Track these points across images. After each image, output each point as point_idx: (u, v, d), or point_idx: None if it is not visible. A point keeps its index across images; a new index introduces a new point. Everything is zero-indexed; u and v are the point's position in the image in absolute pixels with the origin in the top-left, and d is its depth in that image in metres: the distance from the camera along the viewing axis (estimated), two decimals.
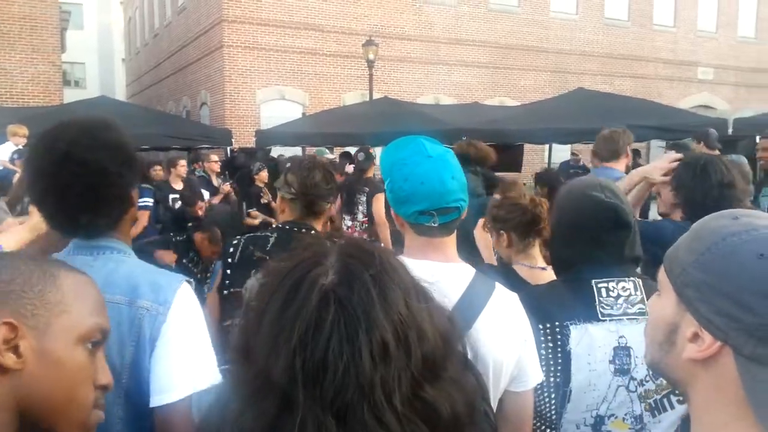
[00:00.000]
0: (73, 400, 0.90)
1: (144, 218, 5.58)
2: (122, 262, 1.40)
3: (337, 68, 17.24)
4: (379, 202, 5.46)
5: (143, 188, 5.47)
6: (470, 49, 19.04)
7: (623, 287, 1.60)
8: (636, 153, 11.15)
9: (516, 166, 11.73)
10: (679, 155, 2.47)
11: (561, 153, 14.04)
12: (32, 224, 2.04)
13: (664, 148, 5.97)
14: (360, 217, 5.72)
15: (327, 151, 9.53)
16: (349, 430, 0.73)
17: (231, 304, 2.19)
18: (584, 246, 1.63)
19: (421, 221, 1.39)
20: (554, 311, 1.59)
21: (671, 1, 22.19)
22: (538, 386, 1.46)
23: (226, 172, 9.39)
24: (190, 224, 5.76)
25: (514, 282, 1.90)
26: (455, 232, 1.46)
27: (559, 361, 1.56)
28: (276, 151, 12.27)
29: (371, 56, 13.49)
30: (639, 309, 1.58)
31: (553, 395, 1.55)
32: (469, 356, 1.24)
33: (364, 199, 5.73)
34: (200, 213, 6.33)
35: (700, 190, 2.25)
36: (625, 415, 1.57)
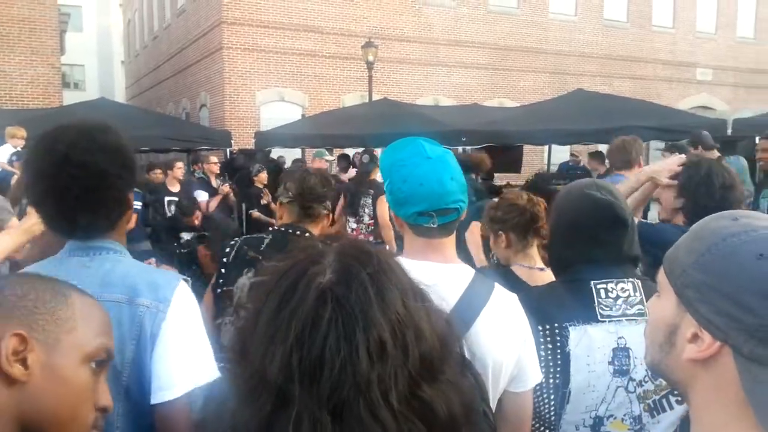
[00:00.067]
0: (74, 417, 0.91)
1: (132, 221, 5.56)
2: (118, 262, 1.41)
3: (336, 70, 17.25)
4: (383, 204, 5.46)
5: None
6: (469, 51, 19.05)
7: (622, 288, 1.60)
8: None
9: (515, 167, 11.76)
10: (684, 157, 2.45)
11: (560, 154, 14.07)
12: (26, 227, 2.05)
13: (662, 151, 5.98)
14: (366, 219, 5.67)
15: (326, 152, 9.52)
16: (345, 426, 0.73)
17: (223, 303, 2.21)
18: (582, 245, 1.63)
19: (421, 222, 1.39)
20: (553, 312, 1.59)
21: (670, 2, 22.21)
22: (537, 387, 1.47)
23: (226, 174, 9.39)
24: (184, 234, 5.69)
25: (513, 283, 1.90)
26: (455, 233, 1.46)
27: (559, 362, 1.56)
28: (276, 153, 12.29)
29: (370, 58, 13.50)
30: (638, 310, 1.58)
31: (552, 396, 1.55)
32: (468, 356, 1.24)
33: (370, 201, 5.72)
34: (196, 223, 6.28)
35: (704, 194, 2.25)
36: (624, 415, 1.57)
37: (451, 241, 1.45)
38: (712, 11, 22.96)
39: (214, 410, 0.85)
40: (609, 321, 1.57)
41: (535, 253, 2.36)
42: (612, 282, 1.60)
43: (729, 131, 9.73)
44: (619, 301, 1.59)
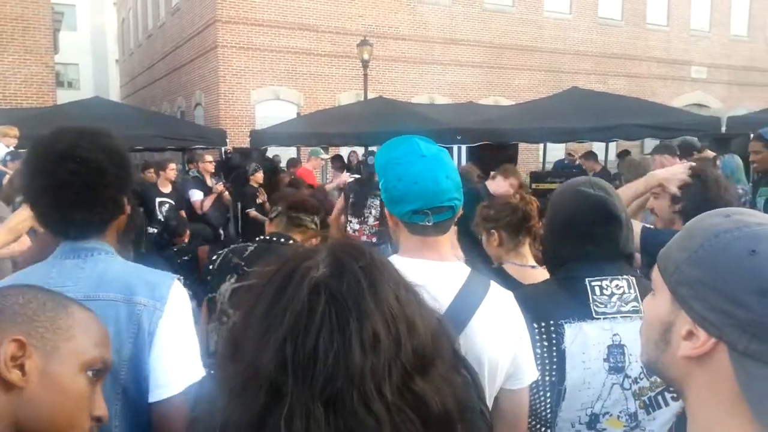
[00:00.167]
0: (71, 424, 0.92)
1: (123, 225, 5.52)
2: (112, 262, 1.42)
3: (331, 68, 17.23)
4: None
5: None
6: (465, 49, 19.06)
7: (617, 285, 1.61)
8: (627, 153, 11.20)
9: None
10: (691, 163, 2.40)
11: (555, 152, 14.09)
12: (11, 226, 2.04)
13: (651, 154, 6.00)
14: (371, 221, 5.54)
15: (322, 151, 9.52)
16: (338, 419, 0.73)
17: (209, 310, 2.22)
18: (577, 242, 1.64)
19: (415, 220, 1.39)
20: (549, 310, 1.60)
21: (664, 1, 22.26)
22: (533, 385, 1.47)
23: (221, 173, 9.37)
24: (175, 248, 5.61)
25: (504, 281, 1.91)
26: (450, 231, 1.46)
27: (554, 359, 1.56)
28: (271, 152, 12.27)
29: (366, 56, 13.48)
30: (633, 307, 1.59)
31: (548, 394, 1.56)
32: (465, 354, 1.24)
33: (377, 202, 5.65)
34: (185, 241, 6.19)
35: (705, 204, 2.23)
36: (620, 412, 1.57)
37: (446, 239, 1.45)
38: (706, 9, 23.03)
39: (205, 408, 0.85)
40: (604, 318, 1.58)
41: (527, 251, 2.38)
42: (606, 279, 1.61)
43: (723, 129, 9.76)
44: (614, 299, 1.59)
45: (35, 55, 13.10)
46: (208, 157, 8.42)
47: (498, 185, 5.36)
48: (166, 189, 7.25)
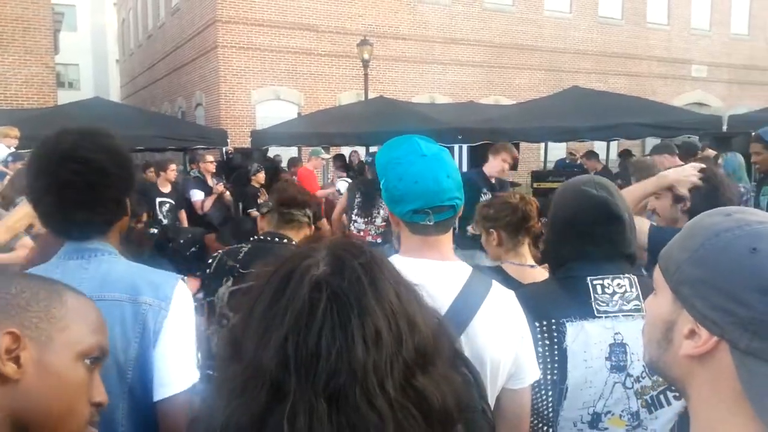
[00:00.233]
0: (69, 414, 0.91)
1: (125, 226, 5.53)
2: (115, 263, 1.43)
3: (332, 68, 17.23)
4: None
5: None
6: (465, 48, 19.06)
7: (618, 284, 1.61)
8: (628, 152, 11.21)
9: (512, 164, 11.74)
10: (701, 165, 2.36)
11: (556, 151, 14.10)
12: (8, 224, 2.04)
13: (650, 154, 6.01)
14: (378, 221, 5.53)
15: (322, 151, 9.52)
16: (341, 415, 0.73)
17: (209, 313, 2.22)
18: (578, 241, 1.63)
19: (416, 220, 1.39)
20: (550, 308, 1.59)
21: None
22: (535, 384, 1.47)
23: (222, 173, 9.37)
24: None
25: (503, 280, 1.92)
26: (451, 230, 1.46)
27: (556, 358, 1.56)
28: (272, 152, 12.28)
29: (366, 56, 13.48)
30: (634, 306, 1.59)
31: (550, 392, 1.56)
32: (466, 354, 1.24)
33: None
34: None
35: (713, 205, 2.22)
36: (622, 411, 1.57)
37: (447, 238, 1.45)
38: (706, 8, 23.03)
39: (205, 408, 0.85)
40: (605, 317, 1.57)
41: (526, 251, 2.39)
42: (608, 278, 1.61)
43: (724, 128, 9.76)
44: (616, 297, 1.59)
45: (36, 55, 13.11)
46: (209, 158, 8.42)
47: (491, 166, 5.38)
48: (166, 189, 7.26)
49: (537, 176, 10.11)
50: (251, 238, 2.42)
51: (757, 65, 23.85)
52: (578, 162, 11.49)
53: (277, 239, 2.28)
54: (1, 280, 0.95)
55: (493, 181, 5.40)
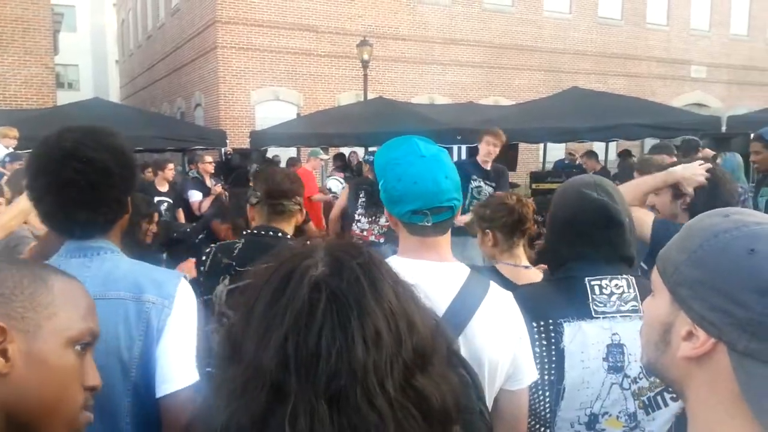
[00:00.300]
0: (61, 402, 0.90)
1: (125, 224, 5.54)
2: (118, 261, 1.43)
3: (331, 69, 17.23)
4: None
5: None
6: (464, 49, 19.06)
7: (616, 285, 1.61)
8: (628, 153, 11.21)
9: (511, 165, 11.76)
10: (708, 165, 2.36)
11: (556, 152, 14.11)
12: (2, 224, 2.03)
13: (648, 154, 6.03)
14: (382, 221, 5.49)
15: (321, 151, 9.52)
16: (341, 416, 0.73)
17: (207, 311, 2.19)
18: (576, 243, 1.64)
19: (415, 221, 1.39)
20: (548, 309, 1.60)
21: (664, 0, 22.27)
22: (532, 384, 1.47)
23: (221, 174, 9.37)
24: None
25: (497, 280, 1.93)
26: (449, 231, 1.46)
27: (553, 358, 1.56)
28: (271, 152, 12.28)
29: (366, 56, 13.49)
30: (632, 306, 1.59)
31: (547, 393, 1.56)
32: (464, 355, 1.24)
33: None
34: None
35: (715, 204, 2.23)
36: (619, 413, 1.57)
37: (446, 239, 1.45)
38: (705, 9, 23.04)
39: (205, 408, 0.84)
40: (603, 317, 1.57)
41: (521, 252, 2.40)
42: (606, 279, 1.61)
43: (723, 128, 9.77)
44: (613, 298, 1.59)
45: (35, 56, 13.11)
46: (208, 158, 8.42)
47: (480, 151, 5.39)
48: (164, 188, 7.28)
49: (536, 177, 10.13)
50: (243, 232, 2.38)
51: (756, 66, 23.86)
52: (577, 162, 11.50)
53: (271, 233, 2.23)
54: None
55: (487, 167, 5.40)
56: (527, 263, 2.40)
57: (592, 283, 1.60)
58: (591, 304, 1.58)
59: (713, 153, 6.92)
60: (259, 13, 16.21)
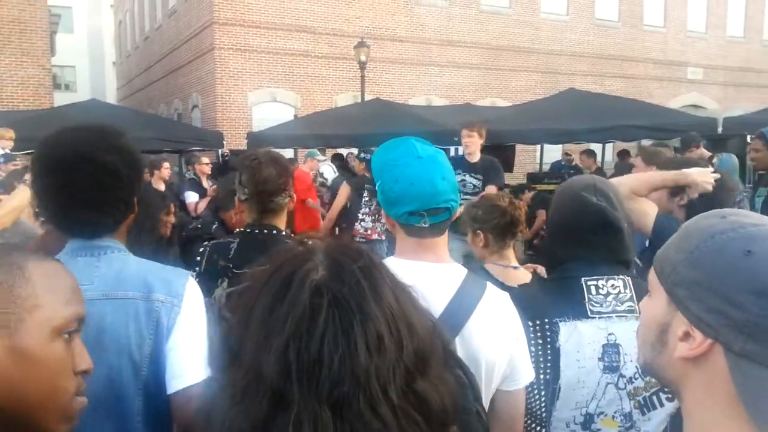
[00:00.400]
0: (54, 393, 0.88)
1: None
2: (126, 260, 1.43)
3: (329, 70, 17.23)
4: None
5: None
6: (462, 51, 19.08)
7: (612, 285, 1.61)
8: (627, 153, 11.24)
9: (508, 166, 11.78)
10: (717, 175, 2.36)
11: (552, 153, 14.12)
12: None
13: (638, 154, 6.04)
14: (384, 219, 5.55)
15: (318, 153, 9.51)
16: (345, 423, 0.72)
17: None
18: (573, 245, 1.64)
19: (412, 222, 1.39)
20: (543, 308, 1.60)
21: (661, 2, 22.33)
22: (528, 384, 1.47)
23: (218, 175, 9.35)
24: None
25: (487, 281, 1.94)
26: (446, 232, 1.46)
27: (549, 357, 1.56)
28: None
29: (363, 58, 13.49)
30: (628, 307, 1.59)
31: (543, 392, 1.56)
32: (461, 356, 1.24)
33: None
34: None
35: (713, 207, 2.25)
36: (615, 413, 1.58)
37: (443, 240, 1.45)
38: (702, 11, 23.11)
39: (203, 415, 0.83)
40: (599, 317, 1.58)
41: (510, 253, 2.42)
42: (602, 279, 1.61)
43: (720, 130, 9.79)
44: (610, 298, 1.60)
45: (32, 57, 13.09)
46: (205, 159, 8.40)
47: (463, 144, 5.41)
48: (160, 187, 7.25)
49: (533, 178, 10.14)
50: (236, 231, 2.31)
51: (752, 68, 23.93)
52: (573, 163, 11.52)
53: (265, 231, 2.18)
54: None
55: (472, 160, 5.38)
56: (516, 264, 2.41)
57: (589, 283, 1.61)
58: (587, 304, 1.58)
59: (710, 154, 6.93)
60: (256, 14, 16.20)
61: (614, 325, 1.58)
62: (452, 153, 10.42)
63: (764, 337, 0.70)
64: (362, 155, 6.06)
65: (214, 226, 4.50)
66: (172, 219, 3.34)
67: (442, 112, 13.17)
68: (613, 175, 8.72)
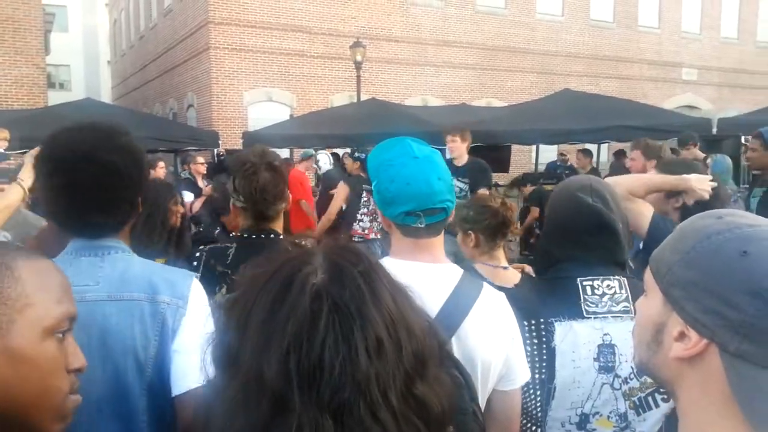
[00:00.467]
0: (47, 393, 0.87)
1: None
2: (130, 261, 1.43)
3: (324, 70, 17.22)
4: None
5: None
6: (457, 51, 19.10)
7: (608, 285, 1.61)
8: (622, 153, 11.27)
9: (503, 166, 11.82)
10: (714, 184, 2.37)
11: (548, 153, 14.15)
12: None
13: (635, 147, 6.05)
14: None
15: (313, 152, 9.49)
16: (346, 429, 0.72)
17: None
18: (569, 246, 1.64)
19: (408, 222, 1.39)
20: (539, 308, 1.60)
21: (656, 3, 22.41)
22: (524, 383, 1.47)
23: (213, 175, 9.33)
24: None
25: None
26: (442, 233, 1.46)
27: (544, 357, 1.57)
28: None
29: (359, 58, 13.48)
30: (624, 307, 1.59)
31: (538, 392, 1.56)
32: (457, 356, 1.24)
33: None
34: None
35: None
36: (610, 413, 1.58)
37: (439, 240, 1.45)
38: (696, 12, 23.20)
39: (201, 420, 0.82)
40: (594, 317, 1.58)
41: (500, 254, 2.42)
42: (598, 279, 1.62)
43: (714, 130, 9.84)
44: (605, 298, 1.60)
45: (26, 56, 13.02)
46: (200, 159, 8.38)
47: (448, 149, 5.44)
48: None
49: (528, 179, 10.13)
50: (232, 235, 2.26)
51: (746, 69, 24.05)
52: (569, 164, 11.55)
53: (263, 235, 2.14)
54: None
55: (458, 164, 5.40)
56: (506, 264, 2.42)
57: (584, 283, 1.61)
58: (582, 304, 1.59)
59: (703, 155, 6.96)
60: (252, 14, 16.17)
61: (610, 326, 1.58)
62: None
63: (759, 337, 0.71)
64: (356, 154, 6.03)
65: (217, 231, 4.46)
66: (180, 208, 3.31)
67: (437, 112, 13.20)
68: (608, 176, 8.76)
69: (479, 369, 1.33)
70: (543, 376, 1.56)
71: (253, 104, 16.49)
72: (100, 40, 32.72)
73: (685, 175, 2.36)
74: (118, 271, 1.38)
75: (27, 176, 1.87)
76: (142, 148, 1.51)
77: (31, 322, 0.86)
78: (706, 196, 2.29)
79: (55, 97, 16.28)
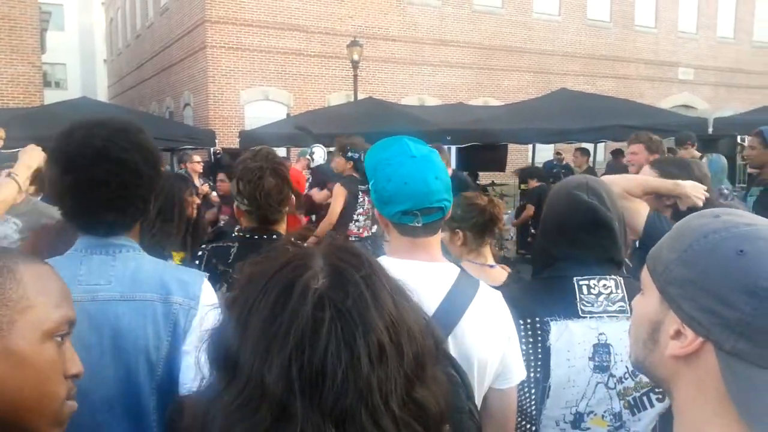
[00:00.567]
0: (44, 397, 0.87)
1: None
2: (141, 260, 1.42)
3: (321, 69, 17.20)
4: None
5: None
6: (454, 50, 19.10)
7: (604, 285, 1.62)
8: (620, 152, 11.29)
9: (500, 165, 11.85)
10: (707, 194, 2.37)
11: (544, 153, 14.16)
12: None
13: (637, 141, 6.05)
14: None
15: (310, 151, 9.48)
16: None
17: None
18: (565, 244, 1.65)
19: (405, 221, 1.39)
20: (534, 307, 1.61)
21: (652, 3, 22.45)
22: (519, 382, 1.48)
23: (210, 174, 9.31)
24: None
25: None
26: (439, 232, 1.46)
27: (539, 356, 1.57)
28: None
29: (356, 57, 13.47)
30: (619, 307, 1.60)
31: (533, 390, 1.57)
32: (454, 354, 1.24)
33: None
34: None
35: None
36: (605, 412, 1.58)
37: (436, 240, 1.45)
38: (693, 12, 23.25)
39: (198, 427, 0.81)
40: (590, 317, 1.58)
41: (487, 251, 2.42)
42: (594, 279, 1.62)
43: (710, 130, 9.86)
44: (601, 298, 1.60)
45: (22, 54, 12.98)
46: (197, 158, 8.37)
47: None
48: None
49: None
50: (234, 235, 2.28)
51: (742, 68, 24.11)
52: (564, 163, 11.57)
53: (265, 236, 2.17)
54: None
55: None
56: (492, 262, 2.42)
57: (581, 282, 1.61)
58: (578, 304, 1.59)
59: (699, 154, 6.98)
60: (248, 12, 16.15)
61: (605, 325, 1.58)
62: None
63: (755, 336, 0.71)
64: (350, 154, 5.99)
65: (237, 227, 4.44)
66: (196, 199, 3.30)
67: (434, 111, 13.20)
68: (604, 174, 8.78)
69: (476, 367, 1.34)
70: (538, 375, 1.57)
71: (250, 103, 16.47)
72: (97, 38, 32.65)
73: (680, 181, 2.38)
74: (129, 271, 1.37)
75: (22, 171, 1.86)
76: (156, 146, 1.50)
77: (32, 324, 0.86)
78: (700, 203, 2.30)
79: (51, 96, 16.22)
